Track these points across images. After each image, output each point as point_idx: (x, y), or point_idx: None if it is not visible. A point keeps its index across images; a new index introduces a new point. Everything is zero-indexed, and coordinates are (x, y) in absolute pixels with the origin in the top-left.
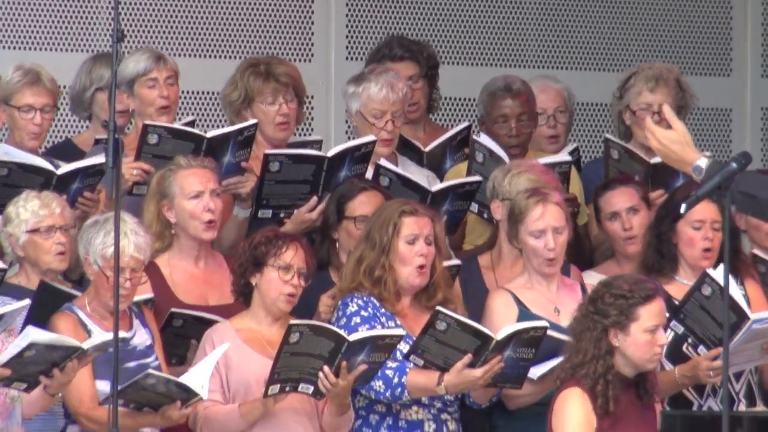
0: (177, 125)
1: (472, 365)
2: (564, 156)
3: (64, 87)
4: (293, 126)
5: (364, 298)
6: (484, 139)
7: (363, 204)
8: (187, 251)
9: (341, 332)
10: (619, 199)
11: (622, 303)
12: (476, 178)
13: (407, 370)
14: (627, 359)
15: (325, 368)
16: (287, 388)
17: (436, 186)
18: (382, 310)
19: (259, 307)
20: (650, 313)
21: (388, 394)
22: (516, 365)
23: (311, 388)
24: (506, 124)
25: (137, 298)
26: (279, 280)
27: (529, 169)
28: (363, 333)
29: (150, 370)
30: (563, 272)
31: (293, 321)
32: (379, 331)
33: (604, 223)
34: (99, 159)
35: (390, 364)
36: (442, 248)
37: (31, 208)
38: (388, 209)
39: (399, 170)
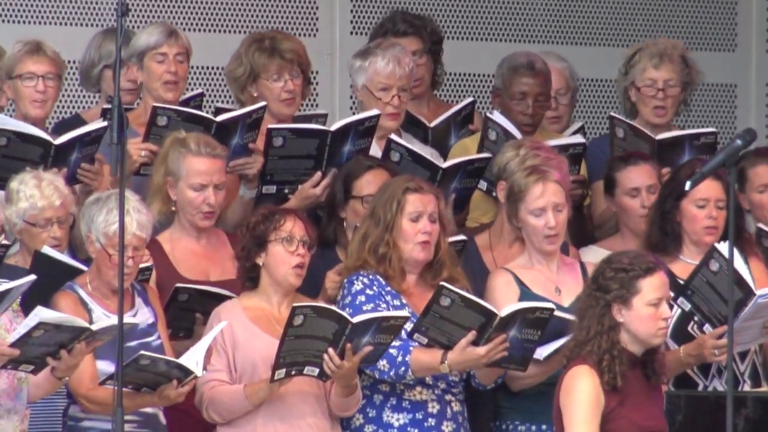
0: (187, 108)
1: (475, 343)
2: (578, 138)
3: (73, 62)
4: (298, 102)
5: (370, 276)
6: (498, 117)
7: (370, 183)
8: (188, 228)
9: (345, 314)
10: (641, 175)
11: (622, 276)
12: (486, 155)
13: (411, 348)
14: (632, 335)
15: (330, 350)
16: (293, 372)
17: (447, 162)
18: (388, 289)
19: (268, 286)
20: (652, 286)
21: (392, 373)
22: (521, 347)
23: (316, 371)
24: (523, 101)
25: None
26: (285, 252)
27: (544, 162)
28: (367, 315)
29: (142, 351)
30: (562, 251)
31: (297, 303)
32: (383, 313)
33: (621, 197)
34: (96, 125)
35: (394, 343)
36: (447, 225)
37: (30, 199)
38: (392, 186)
39: (410, 146)
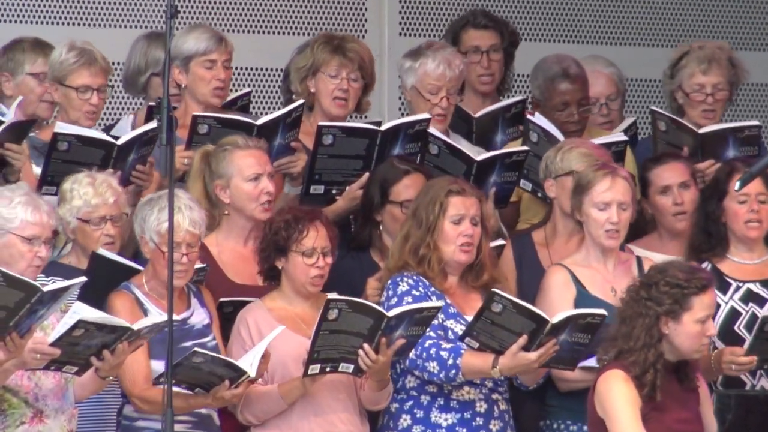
0: (226, 114)
1: (526, 348)
2: (619, 135)
3: (117, 64)
4: (351, 106)
5: (414, 277)
6: (539, 118)
7: (408, 188)
8: (237, 231)
9: (380, 309)
10: (671, 173)
11: (677, 292)
12: (524, 147)
13: (462, 351)
14: (673, 347)
15: (365, 346)
16: (327, 369)
17: (482, 155)
18: (432, 289)
19: (288, 289)
20: (703, 304)
21: (442, 375)
22: (570, 348)
23: (351, 367)
24: (568, 110)
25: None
26: (304, 264)
27: (580, 144)
28: (401, 308)
29: (196, 348)
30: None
31: (331, 296)
32: (417, 305)
33: (654, 197)
34: (152, 124)
35: (444, 345)
36: (489, 229)
37: (84, 196)
38: (435, 188)
39: (447, 138)
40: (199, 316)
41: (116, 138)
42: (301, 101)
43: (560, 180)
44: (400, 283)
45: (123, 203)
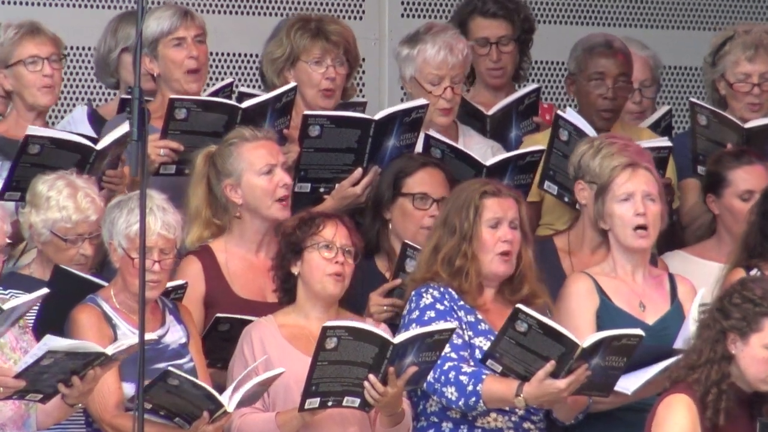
0: (206, 96)
1: (555, 374)
2: (663, 141)
3: (88, 49)
4: (338, 96)
5: (441, 289)
6: (571, 114)
7: (424, 181)
8: (249, 236)
9: (384, 335)
10: (757, 177)
11: (748, 308)
12: (538, 147)
13: (483, 376)
14: (740, 372)
15: (371, 377)
16: (329, 403)
17: (492, 159)
18: (461, 303)
19: (305, 300)
20: None
21: (461, 402)
22: (604, 373)
23: (357, 401)
24: (602, 83)
25: (170, 284)
26: (321, 260)
27: (622, 150)
28: (409, 333)
29: (171, 368)
30: (649, 262)
31: (328, 323)
32: (426, 329)
33: (731, 199)
34: (127, 126)
35: (465, 368)
36: (529, 234)
37: (63, 210)
38: (467, 190)
39: (450, 141)
40: (174, 334)
41: (93, 140)
42: (293, 84)
43: (594, 188)
44: (424, 295)
45: (103, 220)
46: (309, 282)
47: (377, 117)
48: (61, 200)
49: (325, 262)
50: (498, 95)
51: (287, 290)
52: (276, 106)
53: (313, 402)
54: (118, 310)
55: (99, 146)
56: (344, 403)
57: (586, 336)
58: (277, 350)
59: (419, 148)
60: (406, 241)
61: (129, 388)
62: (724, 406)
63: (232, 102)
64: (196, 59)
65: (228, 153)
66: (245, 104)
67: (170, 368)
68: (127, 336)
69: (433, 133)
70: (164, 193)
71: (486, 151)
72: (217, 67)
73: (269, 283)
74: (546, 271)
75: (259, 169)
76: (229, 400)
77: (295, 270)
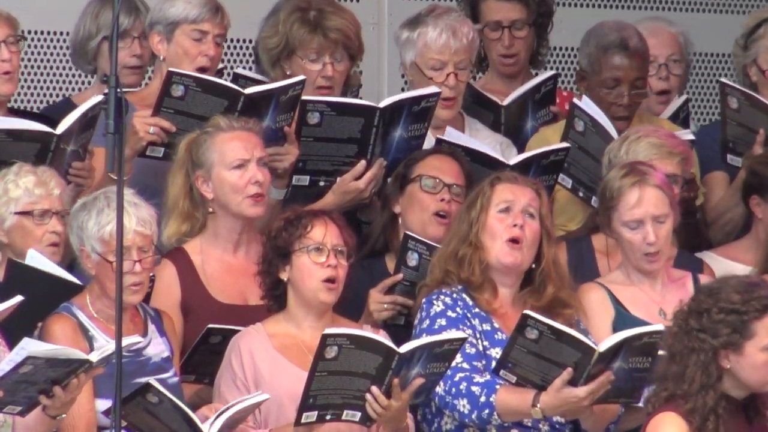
0: (210, 77)
1: (573, 382)
2: (687, 134)
3: (62, 34)
4: (337, 92)
5: (453, 295)
6: (587, 104)
7: (434, 166)
8: (225, 235)
9: (389, 343)
10: None
11: (734, 319)
12: (564, 144)
13: (497, 387)
14: (739, 382)
15: (374, 389)
16: (328, 416)
17: (515, 158)
18: (475, 310)
19: (296, 307)
20: (767, 328)
21: (474, 416)
22: (629, 377)
23: (358, 415)
24: (617, 89)
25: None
26: (312, 264)
27: (650, 133)
28: (416, 341)
29: (153, 382)
30: (695, 267)
31: (329, 330)
32: (436, 337)
33: None
34: (95, 100)
35: (477, 378)
36: (552, 231)
37: (24, 185)
38: (480, 181)
39: (466, 142)
40: (157, 346)
41: (52, 125)
42: (302, 77)
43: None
44: (435, 302)
45: (67, 201)
46: (300, 289)
47: (382, 104)
48: (20, 179)
49: (317, 266)
50: (513, 84)
51: (277, 297)
52: (281, 98)
53: (311, 415)
54: (95, 319)
55: (59, 130)
56: (344, 417)
57: None
58: (268, 362)
59: (428, 143)
60: (408, 232)
61: (103, 406)
62: (722, 428)
63: (236, 87)
64: (210, 59)
65: (201, 142)
66: (249, 90)
67: (153, 382)
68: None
69: (444, 135)
70: (133, 188)
71: (495, 147)
72: None
73: (250, 285)
74: (582, 272)
75: (229, 162)
76: (210, 426)
77: (283, 276)
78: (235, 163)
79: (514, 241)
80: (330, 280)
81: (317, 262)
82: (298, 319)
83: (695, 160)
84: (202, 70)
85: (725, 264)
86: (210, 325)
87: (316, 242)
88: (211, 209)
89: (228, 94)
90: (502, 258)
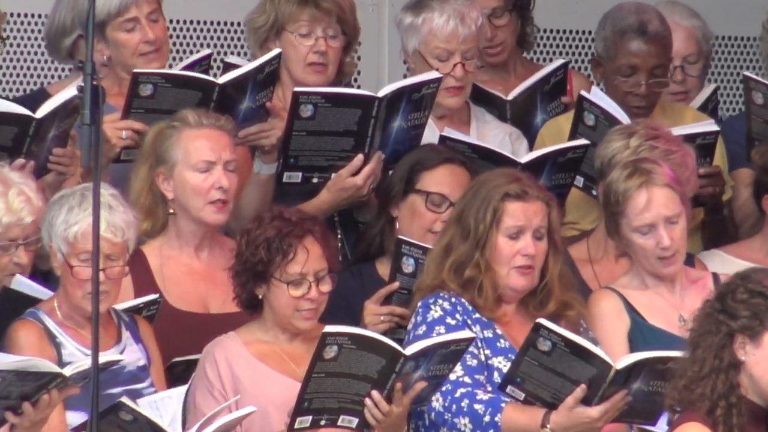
0: (178, 70)
1: (587, 401)
2: (710, 125)
3: (40, 17)
4: (331, 72)
5: (452, 300)
6: (597, 95)
7: (443, 180)
8: (186, 237)
9: (394, 344)
10: None
11: (758, 303)
12: (583, 141)
13: (503, 405)
14: (753, 382)
15: (375, 394)
16: (322, 422)
17: (527, 156)
18: (476, 316)
19: (273, 323)
20: None
21: None
22: (647, 399)
23: (355, 421)
24: (633, 77)
25: (138, 301)
26: (289, 297)
27: (656, 138)
28: (422, 342)
29: (125, 400)
30: (687, 262)
31: (329, 329)
32: (443, 338)
33: None
34: (73, 90)
35: (481, 395)
36: (559, 243)
37: None
38: (488, 185)
39: (472, 139)
40: (132, 354)
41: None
42: (277, 50)
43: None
44: (432, 307)
45: (42, 220)
46: (276, 313)
47: (381, 94)
48: None
49: (295, 300)
50: (500, 73)
51: (252, 306)
52: (258, 78)
53: (305, 421)
54: (63, 324)
55: (39, 114)
56: (339, 423)
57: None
58: (248, 371)
59: (428, 137)
60: (400, 236)
61: (76, 419)
62: (736, 422)
63: (207, 77)
64: (152, 43)
65: (167, 137)
66: (222, 79)
67: (124, 399)
68: (76, 356)
69: (449, 132)
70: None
71: (503, 139)
72: (193, 37)
73: (212, 292)
74: None
75: (194, 163)
76: None
77: (259, 293)
78: (200, 165)
79: (524, 267)
80: (310, 310)
81: (295, 296)
82: (274, 329)
83: (722, 153)
84: (153, 52)
85: (736, 263)
86: (174, 359)
87: (295, 274)
88: (171, 210)
89: (200, 85)
90: (512, 284)
